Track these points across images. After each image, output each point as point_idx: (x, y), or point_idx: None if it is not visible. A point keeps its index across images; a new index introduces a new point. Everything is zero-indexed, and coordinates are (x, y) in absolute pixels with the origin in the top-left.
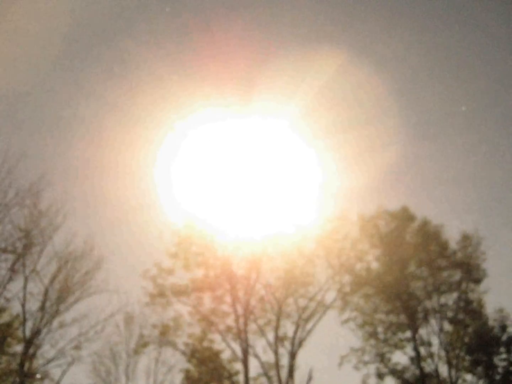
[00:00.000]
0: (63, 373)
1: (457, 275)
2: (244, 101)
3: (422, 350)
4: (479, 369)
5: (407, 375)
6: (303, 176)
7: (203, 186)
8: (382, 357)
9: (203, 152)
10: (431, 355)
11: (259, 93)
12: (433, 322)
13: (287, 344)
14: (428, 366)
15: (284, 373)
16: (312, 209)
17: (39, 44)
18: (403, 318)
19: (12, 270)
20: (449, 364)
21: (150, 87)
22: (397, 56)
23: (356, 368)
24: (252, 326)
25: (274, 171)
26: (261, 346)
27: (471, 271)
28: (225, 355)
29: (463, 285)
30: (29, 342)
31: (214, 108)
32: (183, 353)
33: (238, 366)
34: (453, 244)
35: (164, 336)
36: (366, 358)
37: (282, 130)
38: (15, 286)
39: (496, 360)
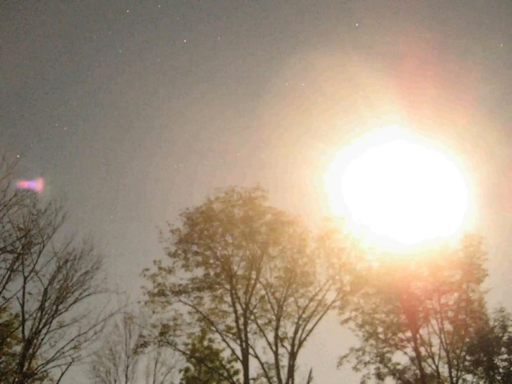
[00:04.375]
0: (63, 373)
1: (457, 275)
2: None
3: (423, 350)
4: (480, 369)
5: (408, 375)
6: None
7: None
8: (382, 357)
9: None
10: (431, 355)
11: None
12: (433, 322)
13: (287, 344)
14: (428, 367)
15: (284, 373)
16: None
17: None
18: (403, 318)
19: (11, 269)
20: (450, 364)
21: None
22: None
23: (356, 368)
24: (252, 326)
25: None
26: (261, 346)
27: (472, 271)
28: (225, 355)
29: (464, 285)
30: (29, 342)
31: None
32: (183, 353)
33: (238, 366)
34: (454, 244)
35: (164, 336)
36: (366, 358)
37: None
38: (14, 286)
39: (497, 360)
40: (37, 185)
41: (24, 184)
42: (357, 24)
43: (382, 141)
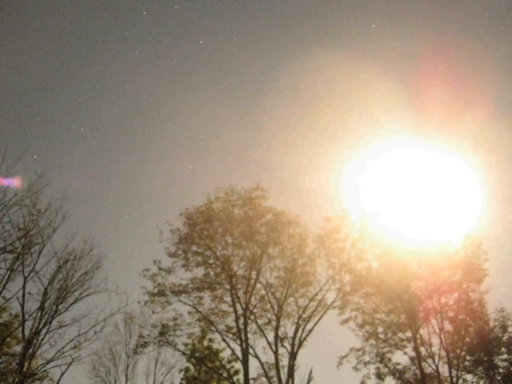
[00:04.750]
0: (63, 373)
1: (458, 275)
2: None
3: (423, 350)
4: (480, 369)
5: (408, 375)
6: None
7: None
8: (382, 357)
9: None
10: (431, 355)
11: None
12: (434, 322)
13: (287, 344)
14: (428, 367)
15: (284, 373)
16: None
17: None
18: (403, 318)
19: (11, 269)
20: (450, 364)
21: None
22: None
23: (356, 368)
24: (252, 326)
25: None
26: (261, 346)
27: (472, 271)
28: (225, 355)
29: (464, 285)
30: (29, 342)
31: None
32: (183, 353)
33: (238, 366)
34: (454, 244)
35: (164, 336)
36: (366, 358)
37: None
38: (14, 286)
39: (497, 360)
40: (14, 183)
41: (1, 181)
42: (373, 25)
43: (395, 141)
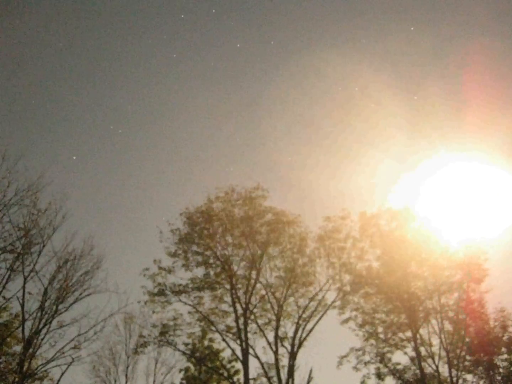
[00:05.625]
0: (63, 373)
1: (458, 275)
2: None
3: (423, 350)
4: (480, 369)
5: (408, 375)
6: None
7: None
8: (382, 357)
9: None
10: (431, 355)
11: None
12: (434, 322)
13: (287, 344)
14: (428, 366)
15: (284, 373)
16: None
17: None
18: (403, 317)
19: (11, 269)
20: (450, 364)
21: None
22: None
23: (356, 368)
24: (252, 326)
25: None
26: (261, 346)
27: (472, 271)
28: (225, 354)
29: (464, 285)
30: (28, 342)
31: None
32: (183, 353)
33: (238, 366)
34: (454, 244)
35: (164, 336)
36: (366, 358)
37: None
38: (14, 286)
39: (497, 360)
40: None
41: None
42: (412, 28)
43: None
